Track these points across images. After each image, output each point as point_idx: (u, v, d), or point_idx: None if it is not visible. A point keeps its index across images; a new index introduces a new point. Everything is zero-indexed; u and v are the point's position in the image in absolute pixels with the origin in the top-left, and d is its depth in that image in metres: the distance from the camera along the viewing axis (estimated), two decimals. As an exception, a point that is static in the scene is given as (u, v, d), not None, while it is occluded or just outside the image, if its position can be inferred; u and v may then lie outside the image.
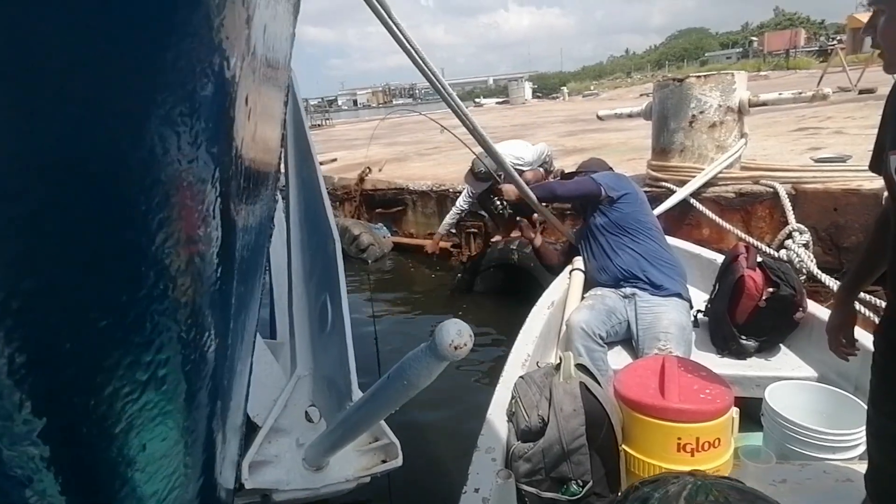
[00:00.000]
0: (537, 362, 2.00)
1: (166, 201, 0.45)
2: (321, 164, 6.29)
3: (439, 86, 2.20)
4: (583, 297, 2.63)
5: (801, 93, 3.42)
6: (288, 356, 1.22)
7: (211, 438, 0.59)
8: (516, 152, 4.11)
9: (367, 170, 6.56)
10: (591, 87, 38.88)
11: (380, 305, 4.84)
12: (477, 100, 41.02)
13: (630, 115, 4.35)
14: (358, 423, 0.91)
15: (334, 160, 8.58)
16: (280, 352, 1.38)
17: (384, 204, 6.16)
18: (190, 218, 0.49)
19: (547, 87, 52.86)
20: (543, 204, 3.10)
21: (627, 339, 2.46)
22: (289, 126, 1.46)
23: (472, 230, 5.18)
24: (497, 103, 30.62)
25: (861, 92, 9.38)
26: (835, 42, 19.97)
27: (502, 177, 4.07)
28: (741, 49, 53.24)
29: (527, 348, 2.17)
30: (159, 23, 0.46)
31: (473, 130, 2.36)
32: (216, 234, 0.54)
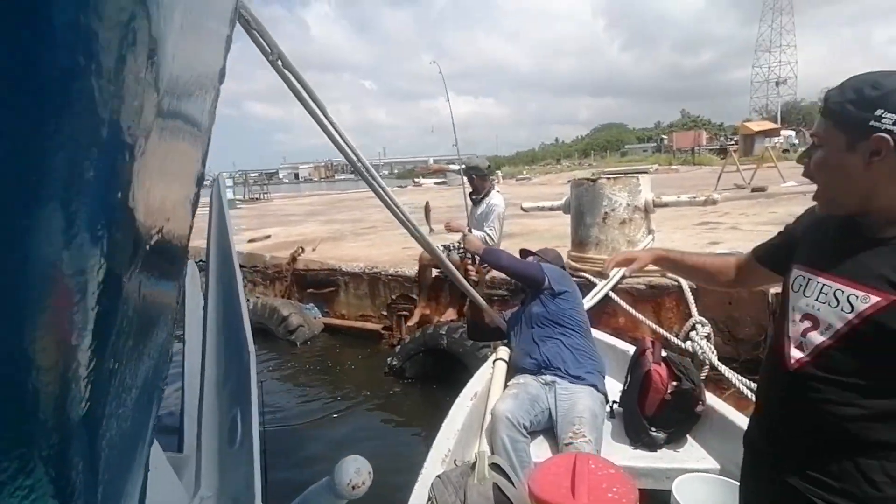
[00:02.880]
0: (455, 461, 2.01)
1: None
2: (253, 240, 6.16)
3: (361, 167, 2.32)
4: (506, 385, 2.70)
5: (695, 197, 3.86)
6: (193, 472, 1.19)
7: None
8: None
9: (300, 249, 6.54)
10: (524, 172, 41.29)
11: (307, 391, 4.68)
12: (416, 179, 42.33)
13: (551, 209, 4.69)
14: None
15: (268, 237, 8.50)
16: (186, 466, 1.32)
17: (316, 284, 6.11)
18: None
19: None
20: (485, 267, 3.23)
21: (548, 429, 2.52)
22: (212, 228, 1.49)
23: (404, 313, 5.22)
24: (435, 183, 31.76)
25: (754, 190, 10.57)
26: (732, 142, 22.84)
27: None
28: (655, 144, 58.87)
29: (448, 443, 2.17)
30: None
31: (397, 211, 2.44)
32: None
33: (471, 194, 4.69)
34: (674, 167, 25.99)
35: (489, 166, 4.76)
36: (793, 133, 44.40)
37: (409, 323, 5.07)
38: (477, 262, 4.37)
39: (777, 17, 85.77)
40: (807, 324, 1.04)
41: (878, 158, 0.90)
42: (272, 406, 4.18)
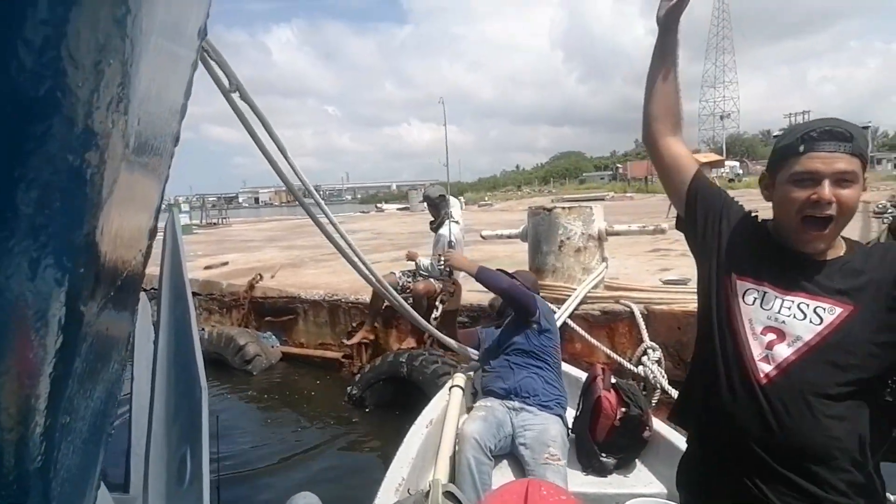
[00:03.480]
0: (409, 490, 2.01)
1: None
2: (209, 267, 6.01)
3: (309, 203, 2.32)
4: (470, 408, 2.71)
5: (645, 226, 4.04)
6: (140, 514, 1.16)
7: None
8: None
9: (259, 276, 6.43)
10: (486, 198, 41.94)
11: (263, 423, 4.55)
12: (379, 205, 42.37)
13: (510, 237, 4.81)
14: None
15: (225, 264, 8.30)
16: (132, 508, 1.28)
17: (274, 312, 6.00)
18: None
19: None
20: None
21: (508, 455, 2.55)
22: (166, 259, 1.48)
23: (364, 341, 5.18)
24: (398, 209, 31.84)
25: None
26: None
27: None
28: (611, 172, 60.97)
29: (402, 471, 2.16)
30: None
31: (344, 247, 2.42)
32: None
33: (431, 223, 4.77)
34: (629, 195, 27.02)
35: (441, 195, 4.75)
36: (737, 164, 47.31)
37: (350, 342, 5.01)
38: (453, 275, 4.43)
39: (720, 55, 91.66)
40: (771, 336, 1.07)
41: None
42: (226, 440, 4.05)
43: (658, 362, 3.36)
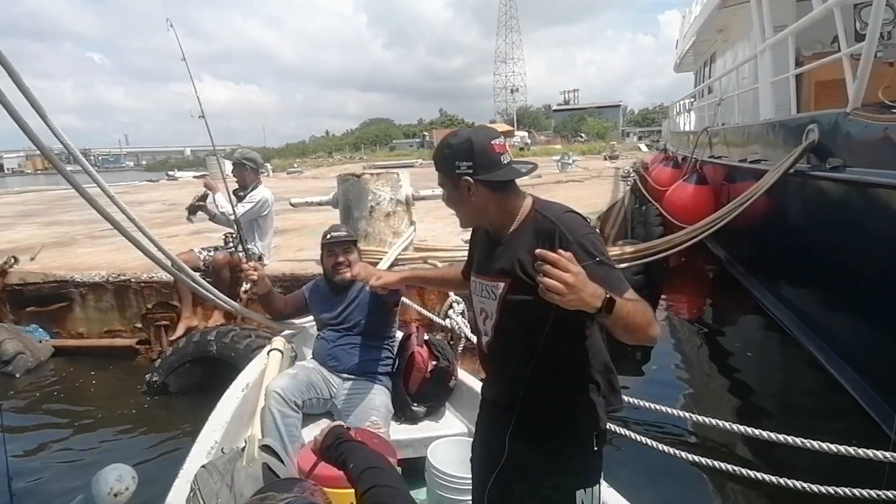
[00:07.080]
0: (222, 449, 1.93)
1: None
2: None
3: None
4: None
5: (447, 192, 4.36)
6: None
7: None
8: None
9: (12, 260, 5.30)
10: (295, 165, 40.07)
11: (40, 433, 3.84)
12: (171, 172, 37.48)
13: (320, 204, 4.76)
14: None
15: (-42, 247, 6.61)
16: None
17: (39, 301, 5.03)
18: None
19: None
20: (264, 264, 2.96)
21: (328, 415, 2.60)
22: None
23: (163, 322, 4.69)
24: (196, 177, 28.58)
25: (499, 183, 12.31)
26: (482, 141, 26.00)
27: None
28: (419, 139, 63.15)
29: (214, 435, 2.06)
30: None
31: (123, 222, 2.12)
32: None
33: (236, 191, 4.47)
34: (436, 162, 28.17)
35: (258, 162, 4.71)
36: (525, 134, 53.06)
37: (174, 336, 4.56)
38: (256, 258, 4.16)
39: (509, 33, 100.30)
40: (483, 316, 1.39)
41: (469, 192, 1.28)
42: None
43: (462, 314, 3.73)
